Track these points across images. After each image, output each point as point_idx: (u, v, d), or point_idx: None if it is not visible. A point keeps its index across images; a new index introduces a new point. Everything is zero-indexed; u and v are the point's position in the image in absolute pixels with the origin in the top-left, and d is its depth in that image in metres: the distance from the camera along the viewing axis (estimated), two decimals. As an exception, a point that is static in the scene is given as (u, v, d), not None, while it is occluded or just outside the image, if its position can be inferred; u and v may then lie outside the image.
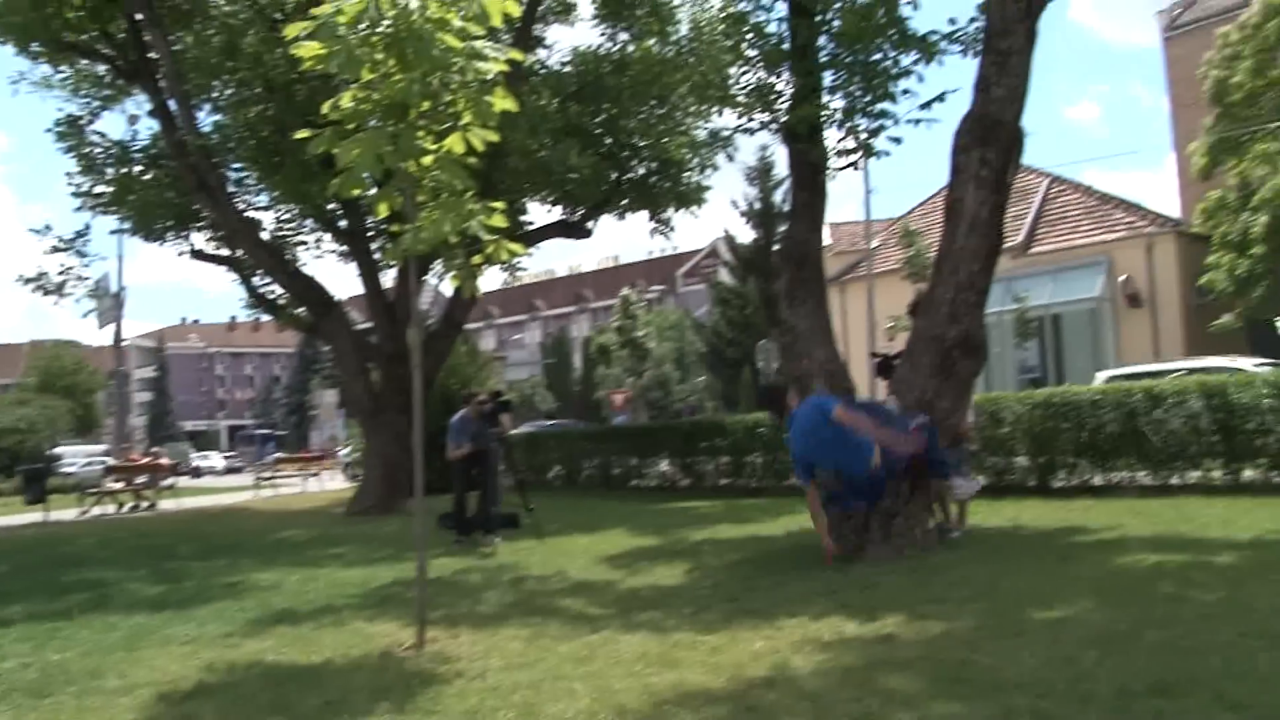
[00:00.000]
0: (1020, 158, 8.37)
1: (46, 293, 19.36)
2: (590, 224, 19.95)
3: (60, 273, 19.36)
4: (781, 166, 46.54)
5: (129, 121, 20.47)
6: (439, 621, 6.35)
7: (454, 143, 5.60)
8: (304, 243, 20.87)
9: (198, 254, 19.93)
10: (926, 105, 8.81)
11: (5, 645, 6.38)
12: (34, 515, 20.96)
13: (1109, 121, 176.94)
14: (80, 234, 19.38)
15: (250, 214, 19.17)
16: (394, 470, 17.01)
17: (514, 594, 7.64)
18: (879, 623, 5.66)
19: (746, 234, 48.41)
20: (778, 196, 45.92)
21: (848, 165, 9.55)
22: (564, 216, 20.07)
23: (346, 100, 5.52)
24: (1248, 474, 11.18)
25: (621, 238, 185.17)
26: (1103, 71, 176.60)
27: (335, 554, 10.90)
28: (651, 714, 4.18)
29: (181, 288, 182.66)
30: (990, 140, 8.01)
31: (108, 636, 6.46)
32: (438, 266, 18.18)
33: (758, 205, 46.96)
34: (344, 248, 19.88)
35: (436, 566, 8.86)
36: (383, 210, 5.93)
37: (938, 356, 8.07)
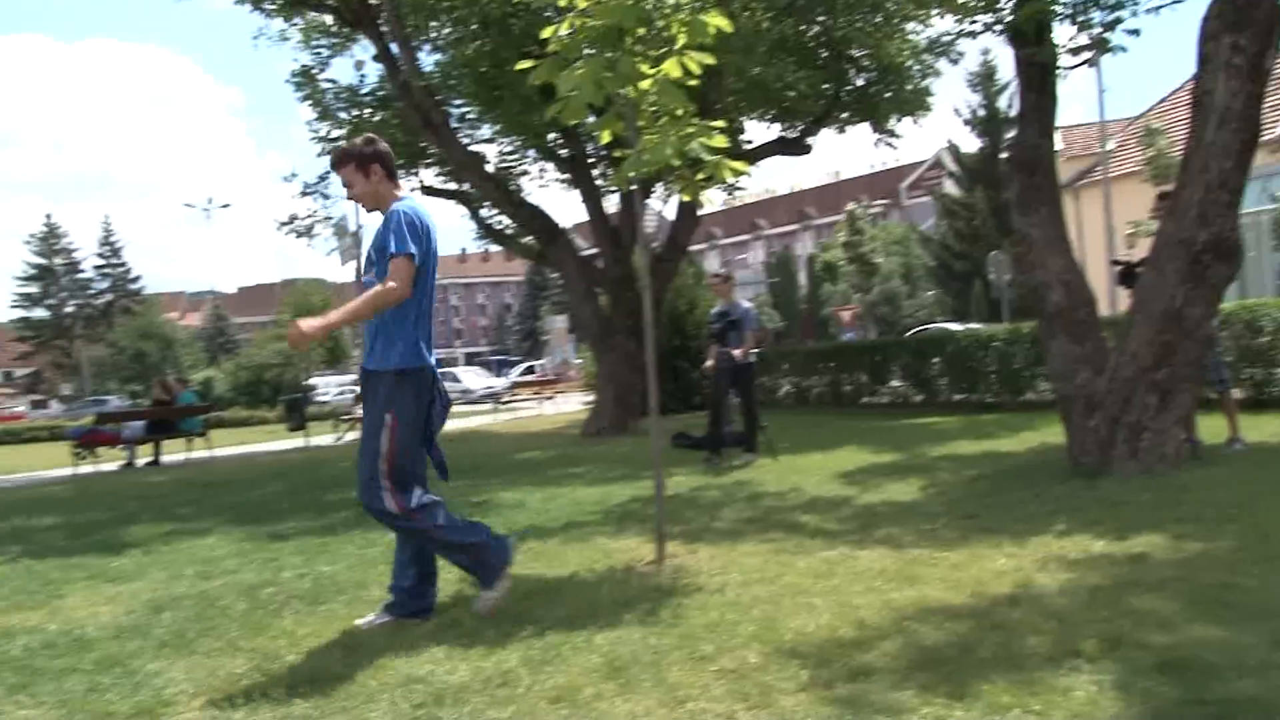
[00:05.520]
0: (1281, 39, 7.61)
1: (299, 235, 20.87)
2: (810, 139, 19.62)
3: (308, 215, 20.77)
4: (1005, 70, 44.88)
5: (355, 67, 21.46)
6: (677, 537, 6.46)
7: (671, 67, 5.58)
8: (527, 173, 21.45)
9: (428, 189, 20.74)
10: (1169, -10, 8.11)
11: (283, 558, 6.94)
12: (296, 441, 22.77)
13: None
14: (323, 178, 20.63)
15: (474, 148, 19.78)
16: (625, 392, 17.34)
17: (750, 510, 7.69)
18: (1128, 542, 5.40)
19: (971, 143, 47.39)
20: (1003, 102, 44.69)
21: (1081, 64, 8.87)
22: (783, 133, 19.83)
23: (564, 28, 5.58)
24: None
25: (841, 152, 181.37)
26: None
27: (574, 473, 11.20)
28: (893, 629, 4.13)
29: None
30: (1244, 23, 7.25)
31: (368, 551, 6.89)
32: (660, 190, 18.41)
33: (982, 112, 45.86)
34: (566, 176, 20.25)
35: (673, 484, 8.96)
36: (605, 137, 6.00)
37: (1186, 262, 7.48)
